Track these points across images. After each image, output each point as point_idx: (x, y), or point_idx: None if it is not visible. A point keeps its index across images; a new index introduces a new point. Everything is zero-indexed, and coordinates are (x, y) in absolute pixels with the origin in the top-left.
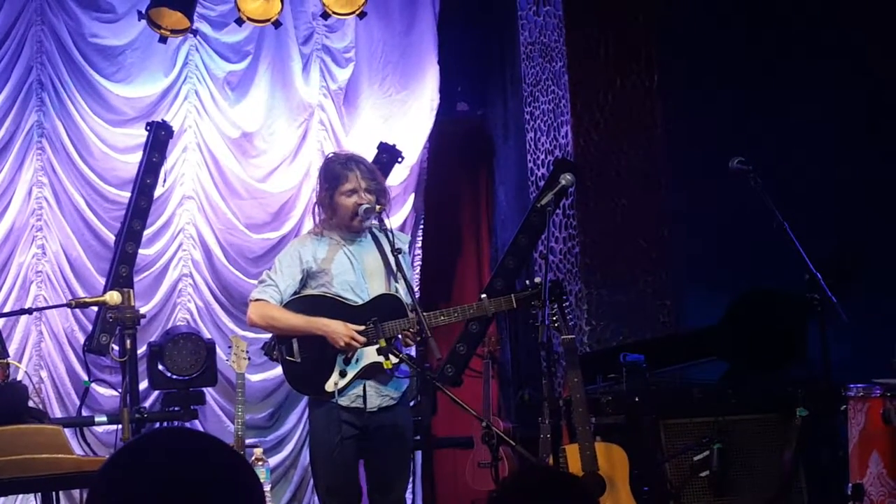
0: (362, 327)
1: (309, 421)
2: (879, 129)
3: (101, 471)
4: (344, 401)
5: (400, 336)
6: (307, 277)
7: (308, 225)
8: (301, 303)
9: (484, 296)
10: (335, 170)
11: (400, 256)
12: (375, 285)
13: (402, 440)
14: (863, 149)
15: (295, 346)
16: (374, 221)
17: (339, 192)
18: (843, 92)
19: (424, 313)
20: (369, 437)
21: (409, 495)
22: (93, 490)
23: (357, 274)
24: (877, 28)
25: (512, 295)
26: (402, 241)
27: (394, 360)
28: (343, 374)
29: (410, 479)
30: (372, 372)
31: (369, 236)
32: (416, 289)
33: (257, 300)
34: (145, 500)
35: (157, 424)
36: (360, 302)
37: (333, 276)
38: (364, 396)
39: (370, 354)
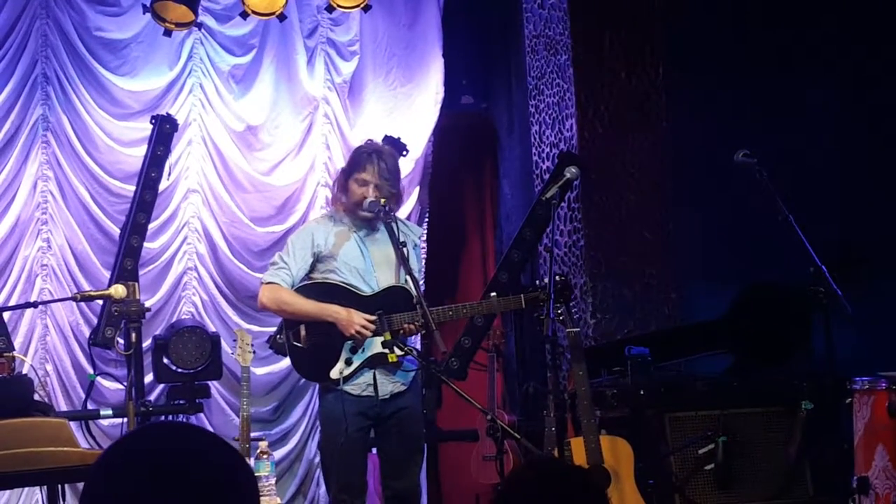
0: (373, 317)
1: (319, 411)
2: (883, 124)
3: (95, 464)
4: (353, 389)
5: (405, 328)
6: (316, 261)
7: (313, 218)
8: (312, 289)
9: (493, 294)
10: (359, 156)
11: (406, 249)
12: (384, 275)
13: (413, 424)
14: (868, 143)
15: (302, 331)
16: (382, 215)
17: (354, 177)
18: (846, 87)
19: (433, 308)
20: (381, 424)
21: None
22: (88, 483)
23: (366, 262)
24: (882, 24)
25: (521, 295)
26: (414, 234)
27: (398, 352)
28: (349, 363)
29: (424, 464)
30: (378, 361)
31: (383, 227)
32: (421, 280)
33: (269, 283)
34: (140, 493)
35: (163, 418)
36: (369, 291)
37: (342, 262)
38: (375, 384)
39: (377, 344)
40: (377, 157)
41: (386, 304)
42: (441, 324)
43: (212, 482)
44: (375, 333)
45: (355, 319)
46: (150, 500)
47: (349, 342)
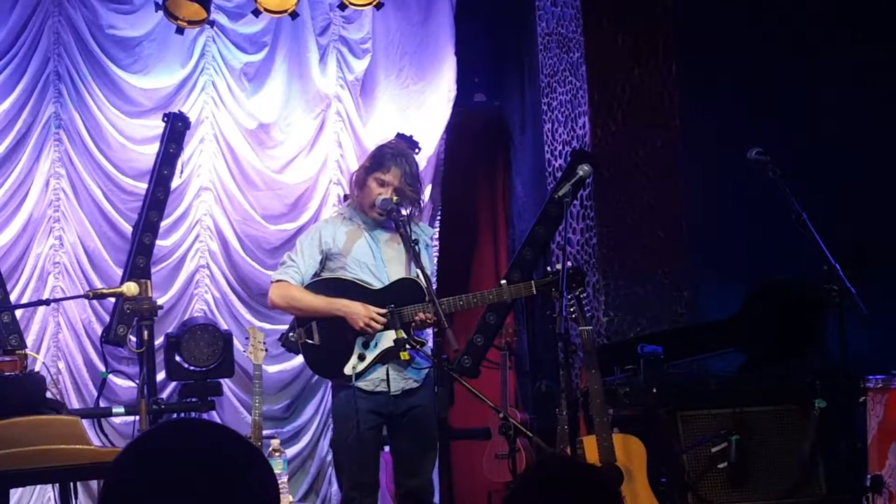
0: (383, 310)
1: (331, 408)
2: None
3: (115, 461)
4: (367, 385)
5: (416, 320)
6: (326, 259)
7: (325, 216)
8: (322, 285)
9: (504, 282)
10: (384, 155)
11: (418, 248)
12: (395, 271)
13: (426, 422)
14: (882, 142)
15: (314, 329)
16: (394, 214)
17: (374, 175)
18: (861, 85)
19: (444, 299)
20: (394, 421)
21: None
22: (107, 480)
23: (377, 258)
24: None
25: (532, 281)
26: (425, 235)
27: (409, 348)
28: (362, 358)
29: (437, 461)
30: (391, 356)
31: (393, 225)
32: (433, 280)
33: (278, 281)
34: (159, 489)
35: (175, 415)
36: (379, 285)
37: (352, 259)
38: (387, 380)
39: (389, 338)
40: (402, 160)
41: (396, 296)
42: (452, 315)
43: (231, 479)
44: (387, 327)
45: (363, 312)
46: (169, 496)
47: (361, 337)
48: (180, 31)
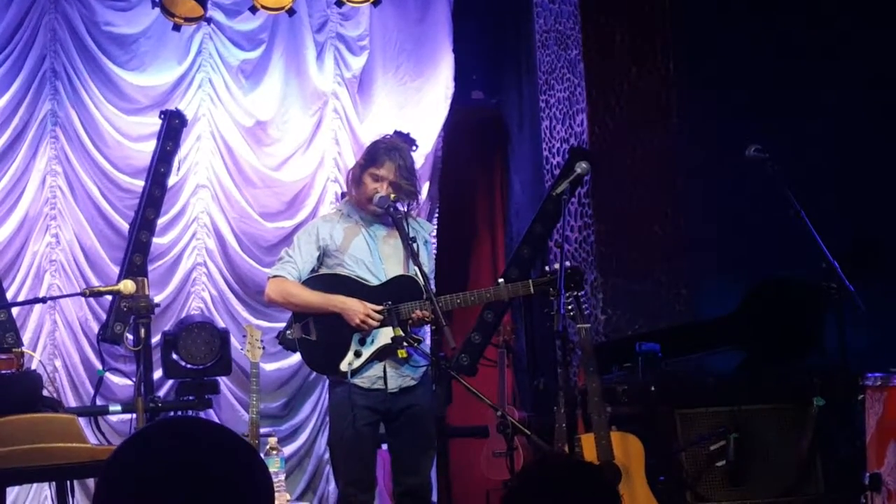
0: (379, 307)
1: (328, 405)
2: None
3: (110, 459)
4: (364, 382)
5: (414, 317)
6: (323, 255)
7: (323, 213)
8: (319, 281)
9: (501, 280)
10: (377, 150)
11: (416, 244)
12: (392, 268)
13: (424, 421)
14: (883, 139)
15: (311, 324)
16: (391, 210)
17: (369, 171)
18: (860, 85)
19: (441, 296)
20: (391, 420)
21: None
22: (103, 478)
23: (374, 255)
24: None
25: (530, 280)
26: (424, 231)
27: (407, 346)
28: (358, 355)
29: (435, 460)
30: (388, 353)
31: (391, 221)
32: (431, 278)
33: (275, 277)
34: (154, 486)
35: (172, 413)
36: (376, 282)
37: (350, 255)
38: (385, 377)
39: (386, 335)
40: (396, 154)
41: (393, 293)
42: (449, 312)
43: (227, 477)
44: (384, 324)
45: (360, 308)
46: (165, 495)
47: (357, 333)
48: (177, 28)
